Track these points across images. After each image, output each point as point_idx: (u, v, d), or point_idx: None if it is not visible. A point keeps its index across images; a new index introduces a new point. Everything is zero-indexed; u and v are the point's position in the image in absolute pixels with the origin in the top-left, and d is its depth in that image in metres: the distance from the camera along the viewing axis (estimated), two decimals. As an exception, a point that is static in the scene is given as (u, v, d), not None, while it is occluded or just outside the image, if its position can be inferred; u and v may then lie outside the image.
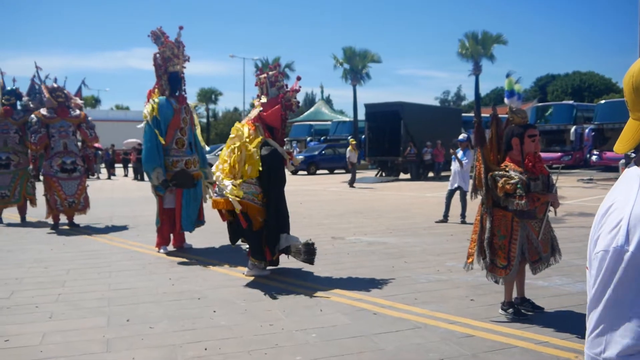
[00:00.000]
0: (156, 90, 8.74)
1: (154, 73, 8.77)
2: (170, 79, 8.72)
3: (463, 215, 11.19)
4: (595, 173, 25.81)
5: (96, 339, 4.72)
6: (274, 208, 6.87)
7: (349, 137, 20.32)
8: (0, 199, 12.04)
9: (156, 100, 8.51)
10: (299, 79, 7.35)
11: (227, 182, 6.59)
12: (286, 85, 7.34)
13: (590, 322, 1.33)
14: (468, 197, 5.65)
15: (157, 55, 8.69)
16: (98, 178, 28.65)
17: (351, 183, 21.84)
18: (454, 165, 11.23)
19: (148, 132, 8.41)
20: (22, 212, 12.39)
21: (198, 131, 9.27)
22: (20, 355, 4.38)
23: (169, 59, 8.67)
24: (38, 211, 12.39)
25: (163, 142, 8.38)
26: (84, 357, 4.34)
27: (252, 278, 6.83)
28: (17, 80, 12.71)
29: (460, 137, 11.62)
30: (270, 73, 7.32)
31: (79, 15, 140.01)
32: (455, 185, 11.19)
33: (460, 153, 11.23)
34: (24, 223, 12.05)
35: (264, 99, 7.21)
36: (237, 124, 7.08)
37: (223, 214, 7.04)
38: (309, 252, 6.84)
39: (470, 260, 5.35)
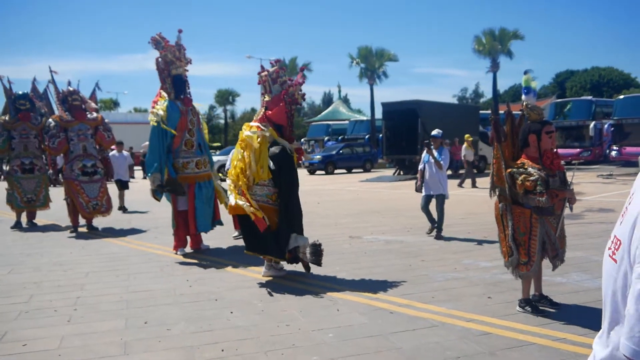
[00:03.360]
0: (162, 94, 8.79)
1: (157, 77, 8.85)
2: (174, 81, 8.80)
3: (440, 228, 9.36)
4: (615, 168, 25.48)
5: (114, 342, 4.75)
6: (284, 206, 6.82)
7: (466, 135, 19.37)
8: (27, 203, 12.20)
9: (164, 103, 8.54)
10: (302, 69, 7.19)
11: (242, 202, 6.60)
12: (290, 79, 7.17)
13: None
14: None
15: (159, 59, 8.77)
16: (117, 181, 28.88)
17: (461, 183, 19.59)
18: (428, 167, 9.37)
19: (152, 137, 8.47)
20: (31, 216, 12.49)
21: (205, 132, 9.31)
22: (39, 359, 4.42)
23: (171, 62, 8.76)
24: (52, 214, 12.49)
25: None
26: None
27: (269, 278, 6.84)
28: (15, 82, 12.44)
29: (434, 132, 9.61)
30: (271, 70, 7.16)
31: (96, 18, 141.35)
32: (439, 192, 9.36)
33: (435, 152, 9.32)
34: (42, 227, 12.15)
35: (267, 98, 7.13)
36: (244, 126, 6.98)
37: (236, 221, 6.99)
38: (315, 253, 6.83)
39: (507, 258, 5.24)
